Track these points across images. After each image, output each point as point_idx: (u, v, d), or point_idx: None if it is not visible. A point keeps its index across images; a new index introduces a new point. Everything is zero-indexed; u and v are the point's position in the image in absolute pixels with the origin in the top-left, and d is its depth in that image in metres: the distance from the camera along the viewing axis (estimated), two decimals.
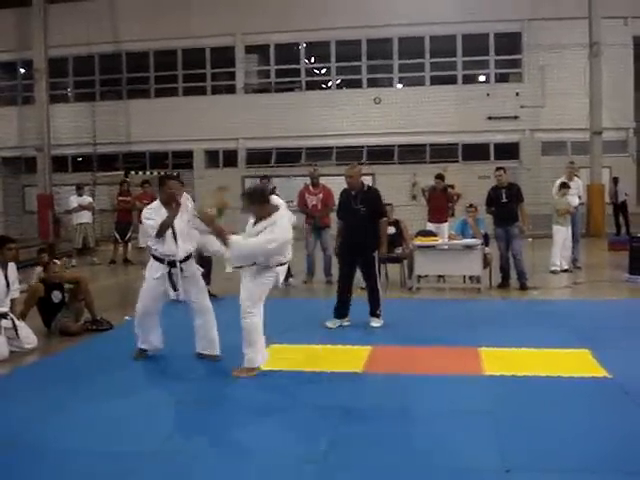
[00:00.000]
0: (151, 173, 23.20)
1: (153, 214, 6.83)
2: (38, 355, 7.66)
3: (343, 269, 8.82)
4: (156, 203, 6.99)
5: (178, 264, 6.82)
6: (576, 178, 14.37)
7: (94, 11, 24.50)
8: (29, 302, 8.51)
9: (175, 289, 6.83)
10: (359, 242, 8.53)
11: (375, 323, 8.62)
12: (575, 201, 13.83)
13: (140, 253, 16.81)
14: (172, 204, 6.84)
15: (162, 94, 25.67)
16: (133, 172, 22.89)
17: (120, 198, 17.15)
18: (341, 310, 8.64)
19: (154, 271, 6.91)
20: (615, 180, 21.58)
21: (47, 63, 23.33)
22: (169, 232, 6.78)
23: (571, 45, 22.31)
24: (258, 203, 6.34)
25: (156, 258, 6.90)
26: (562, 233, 13.29)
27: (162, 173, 6.76)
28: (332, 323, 8.56)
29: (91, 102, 25.41)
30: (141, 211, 16.00)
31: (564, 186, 13.57)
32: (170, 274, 6.82)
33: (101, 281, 13.50)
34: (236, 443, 4.82)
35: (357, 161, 23.62)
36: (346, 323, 8.63)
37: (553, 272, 13.11)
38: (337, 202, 9.33)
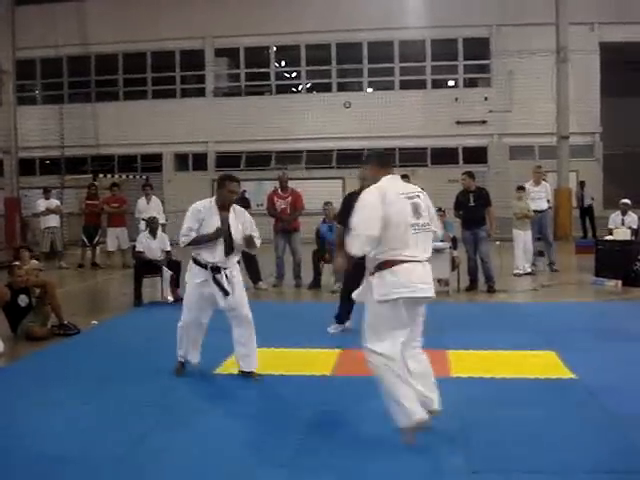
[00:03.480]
0: (120, 176, 23.05)
1: (204, 215, 6.27)
2: (4, 360, 7.55)
3: (349, 276, 8.03)
4: (207, 203, 6.40)
5: (223, 270, 6.25)
6: (544, 182, 14.53)
7: (62, 13, 24.31)
8: None
9: (227, 293, 6.22)
10: None
11: (335, 328, 8.55)
12: (543, 205, 13.98)
13: (109, 257, 16.70)
14: (228, 209, 6.36)
15: (131, 97, 25.53)
16: (101, 175, 22.67)
17: (88, 202, 17.02)
18: (346, 315, 8.43)
19: (195, 276, 6.35)
20: (581, 184, 21.87)
21: (14, 65, 23.05)
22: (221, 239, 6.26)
23: (539, 51, 22.56)
24: None
25: (197, 262, 6.35)
26: (520, 237, 13.46)
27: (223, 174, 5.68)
28: (334, 328, 8.45)
29: (59, 104, 25.18)
30: (110, 215, 16.34)
31: (519, 189, 13.74)
32: (215, 279, 6.24)
33: (69, 285, 13.38)
34: (205, 447, 4.80)
35: (327, 165, 23.94)
36: (347, 324, 8.46)
37: (516, 275, 13.25)
38: (341, 207, 8.69)
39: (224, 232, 6.24)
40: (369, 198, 4.73)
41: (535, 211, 13.78)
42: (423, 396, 4.87)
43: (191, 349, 6.55)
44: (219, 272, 6.23)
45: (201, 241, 6.23)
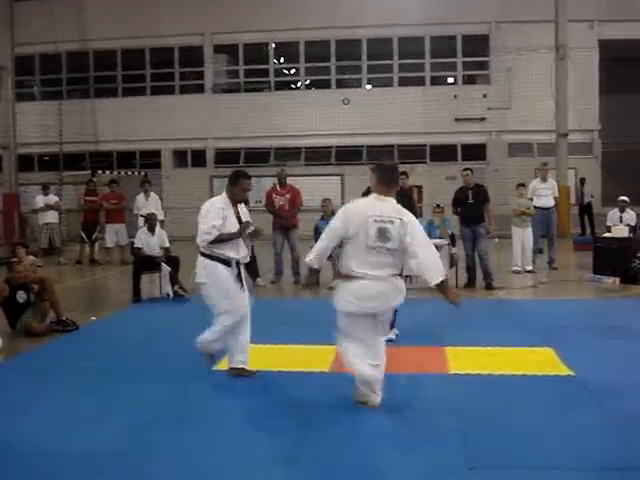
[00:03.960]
0: (118, 173, 23.07)
1: (220, 212, 6.21)
2: (3, 356, 7.56)
3: None
4: (224, 199, 6.36)
5: (242, 266, 6.33)
6: (550, 179, 14.53)
7: (61, 9, 24.27)
8: None
9: (247, 290, 6.34)
10: None
11: (391, 334, 8.09)
12: (550, 202, 13.95)
13: (107, 253, 16.70)
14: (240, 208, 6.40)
15: (130, 93, 25.50)
16: (100, 171, 22.67)
17: (87, 198, 17.00)
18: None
19: (221, 273, 6.21)
20: (582, 181, 21.89)
21: (13, 61, 23.03)
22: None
23: (538, 48, 22.55)
24: None
25: (221, 260, 6.21)
26: (518, 234, 13.45)
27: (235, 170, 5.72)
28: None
29: (58, 100, 25.12)
30: (108, 211, 16.33)
31: (520, 186, 13.72)
32: (240, 275, 6.28)
33: (67, 281, 13.38)
34: (203, 443, 4.81)
35: (326, 161, 23.93)
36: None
37: (514, 272, 13.26)
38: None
39: (245, 228, 6.27)
40: (333, 222, 5.35)
41: (542, 208, 13.79)
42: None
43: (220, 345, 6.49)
44: (245, 266, 6.38)
45: (227, 239, 6.17)
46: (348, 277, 5.25)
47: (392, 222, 5.18)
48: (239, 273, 6.25)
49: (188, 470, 4.39)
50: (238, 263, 6.27)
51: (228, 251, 6.19)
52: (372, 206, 5.27)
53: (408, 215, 5.32)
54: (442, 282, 5.24)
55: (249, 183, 6.39)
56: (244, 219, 6.35)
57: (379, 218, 5.17)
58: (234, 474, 4.34)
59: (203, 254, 6.27)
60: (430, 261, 5.24)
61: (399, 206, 5.37)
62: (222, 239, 6.15)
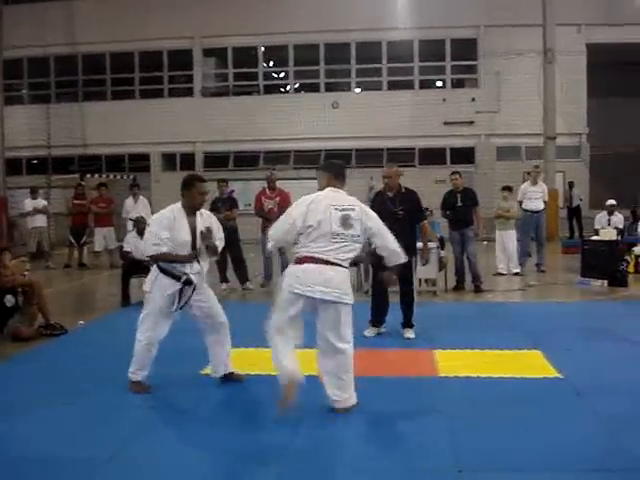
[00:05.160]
0: (107, 176, 23.00)
1: (168, 223, 5.82)
2: None
3: (377, 276, 8.07)
4: (174, 209, 5.93)
5: (194, 282, 5.88)
6: (540, 182, 14.56)
7: (50, 12, 24.20)
8: None
9: (179, 308, 5.91)
10: None
11: (410, 334, 8.15)
12: (540, 205, 13.96)
13: (96, 257, 16.65)
14: (199, 211, 5.99)
15: (119, 97, 25.41)
16: (89, 175, 22.60)
17: (75, 201, 16.93)
18: (378, 318, 8.30)
19: (165, 287, 5.85)
20: (570, 185, 22.00)
21: (2, 64, 22.94)
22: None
23: (526, 52, 22.66)
24: None
25: (168, 273, 5.85)
26: (498, 236, 13.50)
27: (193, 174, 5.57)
28: (369, 332, 8.24)
29: (46, 104, 25.00)
30: (97, 215, 16.28)
31: (505, 189, 13.71)
32: (181, 292, 5.85)
33: (56, 285, 13.33)
34: (190, 448, 4.81)
35: (315, 165, 23.92)
36: (383, 330, 8.33)
37: (498, 274, 13.29)
38: (370, 205, 8.22)
39: (197, 248, 5.89)
40: (293, 208, 5.47)
41: (532, 211, 13.82)
42: (331, 392, 5.43)
43: (148, 366, 6.05)
44: (191, 284, 5.84)
45: (173, 261, 5.82)
46: (303, 260, 5.31)
47: (353, 209, 5.39)
48: (182, 290, 5.83)
49: (174, 475, 4.38)
50: (189, 280, 5.82)
51: (179, 265, 5.85)
52: (331, 197, 5.44)
53: (361, 204, 5.56)
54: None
55: (205, 186, 6.00)
56: (200, 230, 5.93)
57: (340, 207, 5.35)
58: (222, 477, 4.33)
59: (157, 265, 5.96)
60: (392, 244, 5.55)
61: (351, 197, 5.56)
62: (167, 259, 5.82)
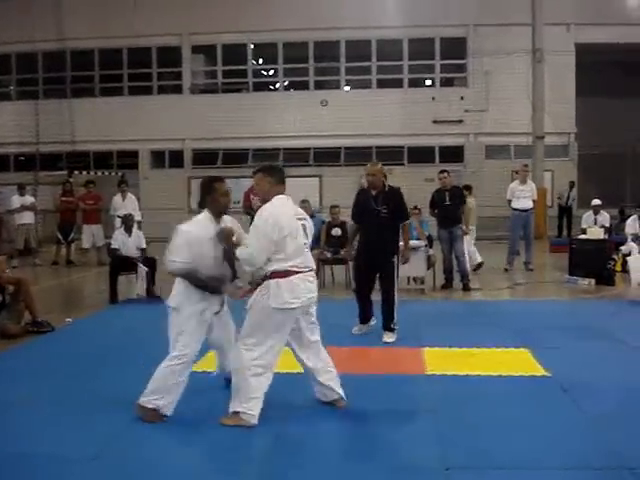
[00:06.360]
0: (95, 173, 22.94)
1: (196, 232, 5.26)
2: None
3: (361, 276, 8.23)
4: (200, 221, 5.34)
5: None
6: (529, 181, 14.59)
7: (38, 8, 24.00)
8: None
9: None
10: (379, 247, 7.81)
11: (389, 338, 7.85)
12: (529, 204, 13.98)
13: (84, 254, 16.58)
14: (222, 217, 5.40)
15: (107, 93, 25.32)
16: (77, 172, 22.53)
17: (63, 198, 16.85)
18: (365, 314, 8.25)
19: (195, 302, 5.25)
20: (571, 185, 22.11)
21: None
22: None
23: (515, 51, 22.69)
24: None
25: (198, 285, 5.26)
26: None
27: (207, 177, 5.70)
28: (358, 329, 8.23)
29: (34, 100, 24.94)
30: (85, 212, 16.20)
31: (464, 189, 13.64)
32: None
33: (43, 282, 13.26)
34: (177, 444, 4.80)
35: (304, 163, 23.94)
36: (373, 322, 8.29)
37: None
38: (353, 202, 8.32)
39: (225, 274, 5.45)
40: (265, 228, 4.98)
41: (521, 210, 13.85)
42: (326, 388, 5.40)
43: (175, 397, 5.31)
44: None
45: (202, 283, 5.26)
46: (286, 274, 5.04)
47: (307, 219, 5.34)
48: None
49: (162, 471, 4.37)
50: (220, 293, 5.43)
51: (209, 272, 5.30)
52: (290, 206, 5.26)
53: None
54: None
55: (226, 186, 5.46)
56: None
57: (300, 216, 5.26)
58: (210, 475, 4.33)
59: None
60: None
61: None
62: (195, 279, 5.24)
